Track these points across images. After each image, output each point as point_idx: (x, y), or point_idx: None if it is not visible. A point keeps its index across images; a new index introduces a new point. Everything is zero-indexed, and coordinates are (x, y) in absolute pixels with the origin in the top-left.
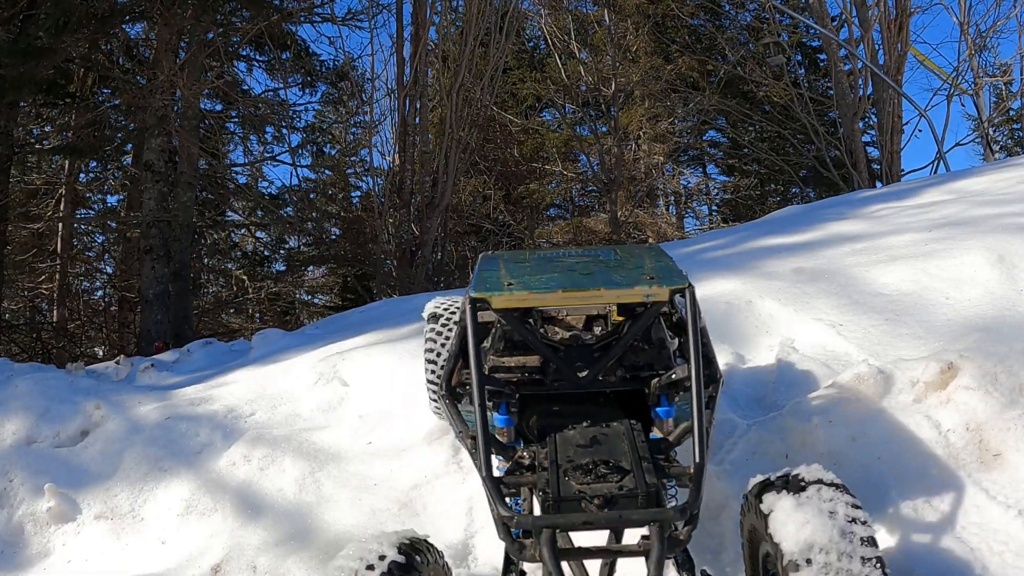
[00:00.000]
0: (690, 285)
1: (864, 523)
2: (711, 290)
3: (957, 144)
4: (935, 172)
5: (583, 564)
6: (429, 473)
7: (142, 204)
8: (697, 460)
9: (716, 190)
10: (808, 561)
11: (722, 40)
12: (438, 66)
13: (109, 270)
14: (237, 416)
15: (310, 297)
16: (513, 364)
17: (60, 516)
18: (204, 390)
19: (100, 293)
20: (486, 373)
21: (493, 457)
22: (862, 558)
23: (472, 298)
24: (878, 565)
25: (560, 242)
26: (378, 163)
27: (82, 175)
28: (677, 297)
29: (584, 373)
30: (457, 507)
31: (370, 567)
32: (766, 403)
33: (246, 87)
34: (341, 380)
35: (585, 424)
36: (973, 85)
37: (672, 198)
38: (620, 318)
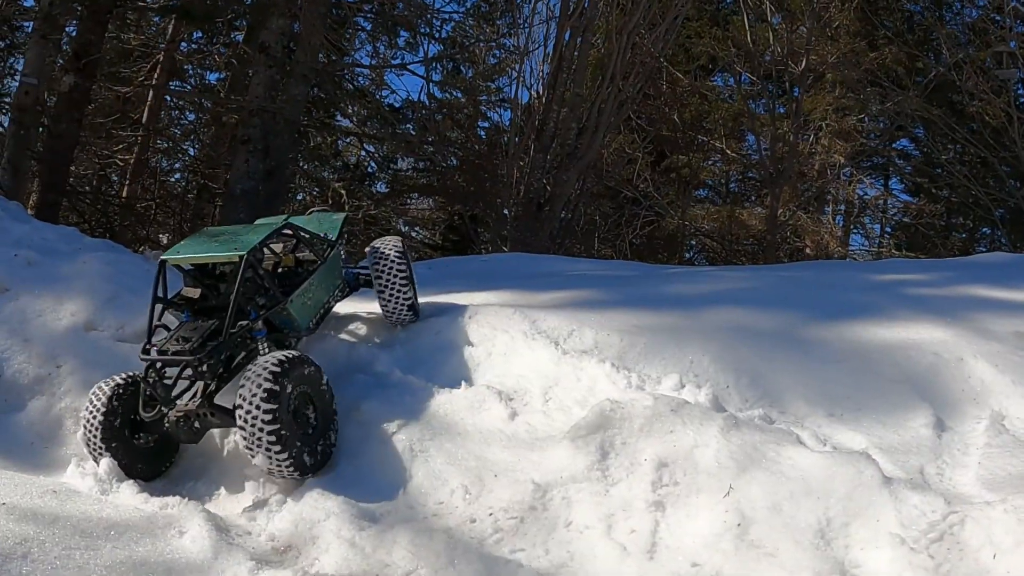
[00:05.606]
0: (246, 254)
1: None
2: (916, 335)
3: None
4: None
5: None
6: (565, 475)
7: (248, 88)
8: (223, 337)
9: (895, 209)
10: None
11: (940, 35)
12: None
13: (193, 152)
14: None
15: (408, 228)
16: (189, 292)
17: None
18: None
19: (178, 176)
20: (179, 295)
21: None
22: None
23: (161, 258)
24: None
25: (707, 229)
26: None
27: (184, 44)
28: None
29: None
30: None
31: None
32: None
33: None
34: (467, 339)
35: (199, 320)
36: None
37: (843, 207)
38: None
